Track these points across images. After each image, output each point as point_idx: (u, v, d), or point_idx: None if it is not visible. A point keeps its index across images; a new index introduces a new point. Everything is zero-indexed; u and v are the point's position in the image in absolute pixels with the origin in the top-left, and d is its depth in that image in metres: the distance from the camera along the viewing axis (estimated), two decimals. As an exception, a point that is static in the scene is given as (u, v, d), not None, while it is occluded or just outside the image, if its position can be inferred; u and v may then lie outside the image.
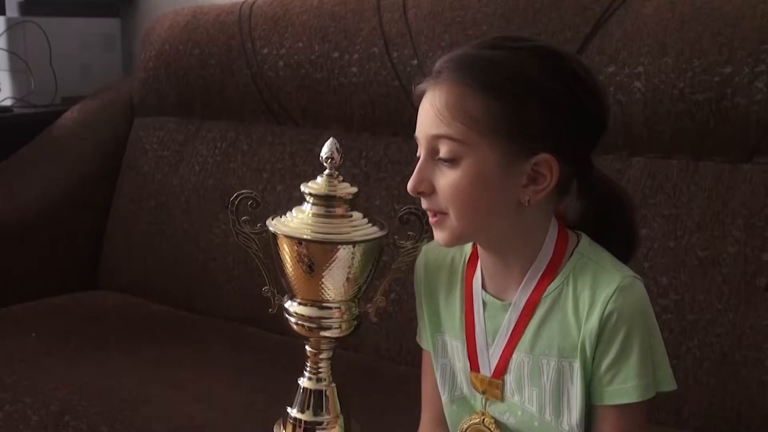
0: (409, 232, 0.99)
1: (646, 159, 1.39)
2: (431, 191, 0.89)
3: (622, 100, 1.38)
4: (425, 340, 1.03)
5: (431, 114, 0.87)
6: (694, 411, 1.27)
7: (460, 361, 0.98)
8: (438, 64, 0.89)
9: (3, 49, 2.06)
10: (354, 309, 0.98)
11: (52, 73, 2.12)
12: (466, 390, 0.98)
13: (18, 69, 2.08)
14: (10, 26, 2.06)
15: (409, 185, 0.89)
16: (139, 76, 1.96)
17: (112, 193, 1.93)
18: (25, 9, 2.19)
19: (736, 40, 1.31)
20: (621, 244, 0.93)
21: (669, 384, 0.90)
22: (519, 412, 0.93)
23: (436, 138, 0.87)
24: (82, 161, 1.93)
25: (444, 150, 0.87)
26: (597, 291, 0.88)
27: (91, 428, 1.23)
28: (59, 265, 1.89)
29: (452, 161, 0.86)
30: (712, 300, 1.28)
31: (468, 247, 0.98)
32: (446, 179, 0.87)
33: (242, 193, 0.98)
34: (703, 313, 1.28)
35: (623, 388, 0.87)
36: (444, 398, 1.00)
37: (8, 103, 2.08)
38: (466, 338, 0.96)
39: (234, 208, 0.98)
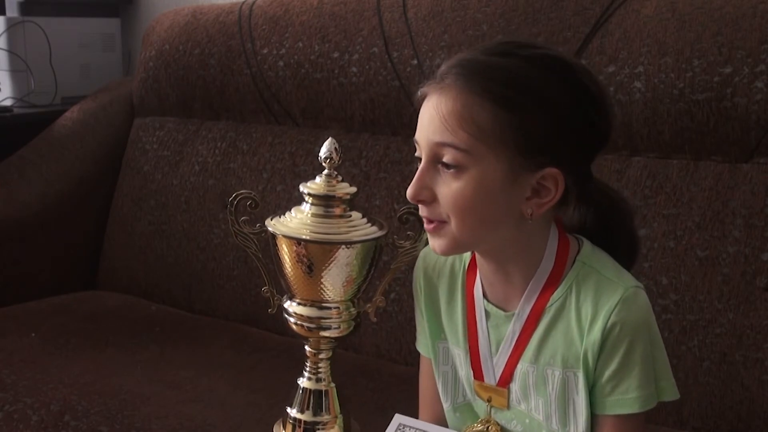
0: (408, 232, 0.99)
1: (646, 159, 1.39)
2: (432, 200, 0.86)
3: (622, 100, 1.38)
4: (424, 347, 1.02)
5: (435, 120, 0.84)
6: (694, 411, 1.27)
7: (463, 369, 0.97)
8: (443, 68, 0.86)
9: (3, 49, 2.06)
10: (353, 309, 0.98)
11: (52, 73, 2.12)
12: (469, 397, 0.97)
13: (18, 69, 2.08)
14: (10, 26, 2.05)
15: (409, 192, 0.87)
16: (139, 76, 1.96)
17: (112, 193, 1.93)
18: (25, 9, 2.18)
19: (736, 40, 1.30)
20: (622, 252, 0.93)
21: (671, 394, 0.89)
22: (527, 420, 0.93)
23: (440, 145, 0.84)
24: (82, 161, 1.93)
25: (448, 158, 0.84)
26: (600, 302, 0.87)
27: (91, 428, 1.23)
28: (59, 265, 1.89)
29: (456, 169, 0.84)
30: (712, 300, 1.28)
31: (467, 253, 0.97)
32: (449, 188, 0.85)
33: (241, 193, 0.97)
34: (703, 313, 1.28)
35: (624, 399, 0.87)
36: (446, 405, 1.00)
37: (8, 103, 2.08)
38: (469, 347, 0.95)
39: (233, 209, 0.98)
